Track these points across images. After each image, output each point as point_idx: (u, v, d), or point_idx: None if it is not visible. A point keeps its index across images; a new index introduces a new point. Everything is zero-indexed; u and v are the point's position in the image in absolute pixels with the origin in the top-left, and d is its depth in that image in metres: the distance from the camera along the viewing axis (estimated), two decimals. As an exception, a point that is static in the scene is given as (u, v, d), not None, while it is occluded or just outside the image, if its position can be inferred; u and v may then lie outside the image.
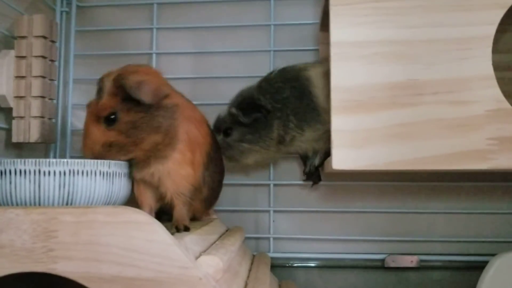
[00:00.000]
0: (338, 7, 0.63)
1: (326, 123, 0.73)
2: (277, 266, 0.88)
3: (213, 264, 0.48)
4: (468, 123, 0.60)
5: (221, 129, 0.80)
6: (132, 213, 0.48)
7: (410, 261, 0.86)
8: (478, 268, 0.73)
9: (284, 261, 0.89)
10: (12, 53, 0.77)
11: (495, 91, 0.60)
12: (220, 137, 0.80)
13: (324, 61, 0.81)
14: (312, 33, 0.91)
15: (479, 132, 0.60)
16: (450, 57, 0.61)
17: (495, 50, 0.62)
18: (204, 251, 0.54)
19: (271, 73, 0.82)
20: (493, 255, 0.73)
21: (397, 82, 0.61)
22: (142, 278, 0.46)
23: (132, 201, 0.66)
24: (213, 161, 0.70)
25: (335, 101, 0.62)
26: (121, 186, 0.58)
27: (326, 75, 0.75)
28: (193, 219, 0.73)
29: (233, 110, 0.79)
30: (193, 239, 0.56)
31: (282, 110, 0.78)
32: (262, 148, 0.80)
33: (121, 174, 0.58)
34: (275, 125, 0.78)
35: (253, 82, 0.86)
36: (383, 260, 0.87)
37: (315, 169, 0.85)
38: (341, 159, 0.61)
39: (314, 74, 0.79)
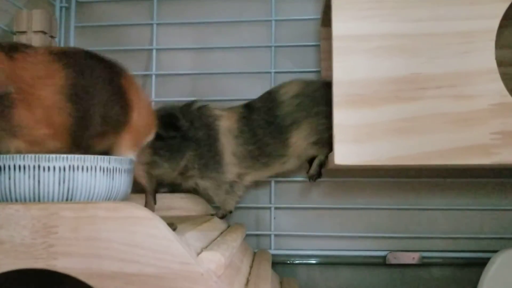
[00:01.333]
0: (340, 0, 0.62)
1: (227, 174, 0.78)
2: (278, 263, 0.88)
3: (214, 259, 0.48)
4: (472, 117, 0.60)
5: None
6: (132, 208, 0.47)
7: (411, 257, 0.86)
8: (480, 264, 0.73)
9: (285, 258, 0.89)
10: (11, 48, 0.76)
11: (499, 85, 0.60)
12: None
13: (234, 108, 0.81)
14: (313, 28, 0.90)
15: (483, 127, 0.60)
16: (453, 51, 0.61)
17: (498, 45, 0.62)
18: (206, 247, 0.54)
19: (192, 102, 0.81)
20: (495, 251, 0.73)
21: (400, 76, 0.61)
22: (144, 274, 0.46)
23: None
24: (82, 89, 0.57)
25: (337, 95, 0.61)
26: (121, 182, 0.57)
27: (238, 122, 0.78)
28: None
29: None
30: (194, 235, 0.56)
31: (194, 147, 0.78)
32: (169, 168, 0.78)
33: (122, 169, 0.57)
34: (187, 156, 0.78)
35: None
36: (384, 257, 0.86)
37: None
38: (344, 154, 0.61)
39: (227, 125, 0.79)
